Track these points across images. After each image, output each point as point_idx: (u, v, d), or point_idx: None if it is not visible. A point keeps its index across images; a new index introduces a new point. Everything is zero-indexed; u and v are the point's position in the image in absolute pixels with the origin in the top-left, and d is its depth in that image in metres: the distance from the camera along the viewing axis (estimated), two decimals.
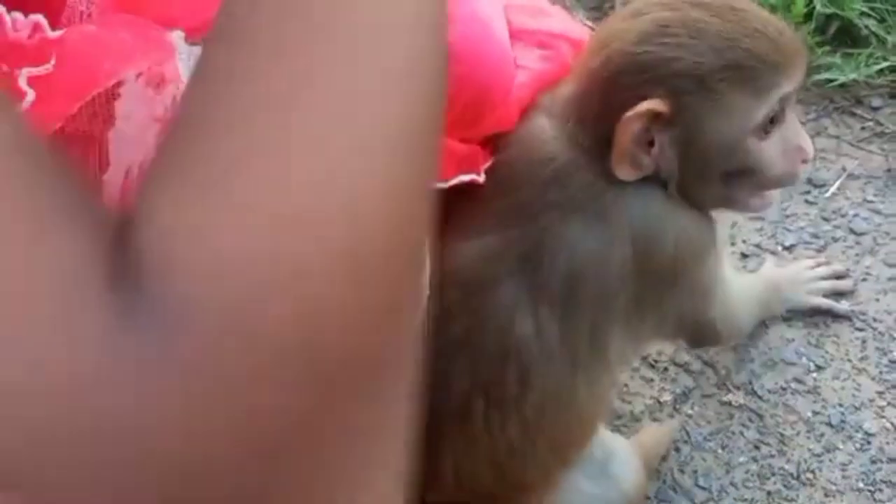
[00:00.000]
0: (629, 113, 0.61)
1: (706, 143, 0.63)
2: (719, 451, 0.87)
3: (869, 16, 1.12)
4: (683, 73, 0.61)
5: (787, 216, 1.01)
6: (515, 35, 0.68)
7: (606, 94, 0.63)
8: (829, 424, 0.87)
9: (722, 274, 0.75)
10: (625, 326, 0.69)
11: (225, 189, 0.26)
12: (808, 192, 1.02)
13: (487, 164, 0.66)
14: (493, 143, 0.68)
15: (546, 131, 0.67)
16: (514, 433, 0.69)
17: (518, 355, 0.67)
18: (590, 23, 0.80)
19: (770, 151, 0.65)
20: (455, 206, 0.66)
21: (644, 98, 0.61)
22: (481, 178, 0.65)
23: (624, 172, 0.63)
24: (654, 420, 0.89)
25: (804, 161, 0.66)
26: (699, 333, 0.79)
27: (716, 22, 0.62)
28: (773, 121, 0.64)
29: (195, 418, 0.24)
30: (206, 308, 0.24)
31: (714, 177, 0.65)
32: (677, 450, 0.87)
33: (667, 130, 0.62)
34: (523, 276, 0.66)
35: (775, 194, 0.71)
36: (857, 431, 0.86)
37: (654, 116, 0.61)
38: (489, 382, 0.68)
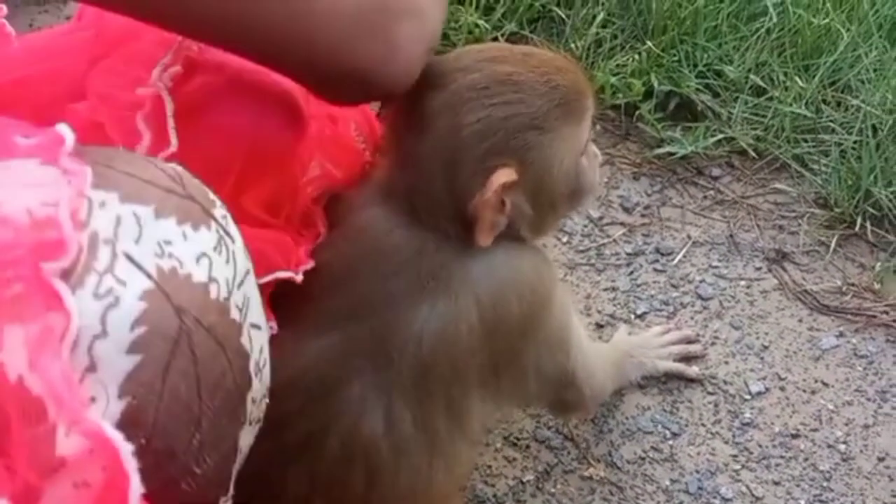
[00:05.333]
0: (484, 195, 0.60)
1: (553, 179, 0.64)
2: None
3: (703, 92, 1.18)
4: (523, 127, 0.62)
5: (638, 285, 1.02)
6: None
7: (448, 174, 0.62)
8: (687, 492, 0.86)
9: (574, 324, 0.74)
10: (482, 390, 0.68)
11: None
12: (656, 261, 1.05)
13: (307, 266, 0.64)
14: (316, 240, 0.66)
15: (385, 222, 0.65)
16: None
17: (366, 457, 0.64)
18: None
19: (588, 165, 0.68)
20: (284, 304, 0.63)
21: (491, 169, 0.61)
22: (298, 278, 0.63)
23: (486, 240, 0.63)
24: (518, 502, 0.87)
25: (600, 165, 0.72)
26: (563, 393, 0.77)
27: (523, 71, 0.63)
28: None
29: None
30: None
31: (561, 203, 0.68)
32: None
33: (517, 189, 0.62)
34: (373, 374, 0.63)
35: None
36: (714, 497, 0.86)
37: (507, 185, 0.61)
38: (331, 484, 0.64)
